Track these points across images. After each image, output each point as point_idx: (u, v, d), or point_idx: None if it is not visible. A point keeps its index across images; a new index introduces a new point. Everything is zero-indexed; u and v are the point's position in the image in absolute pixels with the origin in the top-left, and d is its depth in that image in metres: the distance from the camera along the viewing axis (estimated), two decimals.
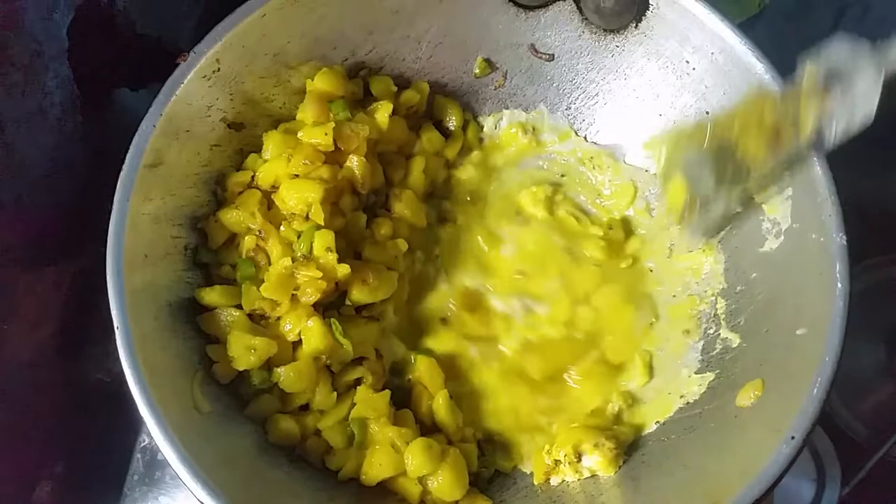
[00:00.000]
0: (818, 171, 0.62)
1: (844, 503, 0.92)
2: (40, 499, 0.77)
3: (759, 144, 0.63)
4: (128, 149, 0.64)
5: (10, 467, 0.73)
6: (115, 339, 0.59)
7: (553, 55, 0.77)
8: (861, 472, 0.91)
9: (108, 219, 0.62)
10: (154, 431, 0.57)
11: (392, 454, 0.65)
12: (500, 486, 0.70)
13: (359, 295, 0.70)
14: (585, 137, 0.81)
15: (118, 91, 0.82)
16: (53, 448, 0.78)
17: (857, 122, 0.57)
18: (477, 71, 0.79)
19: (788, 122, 0.61)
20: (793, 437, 0.55)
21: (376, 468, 0.65)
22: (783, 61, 0.65)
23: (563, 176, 0.80)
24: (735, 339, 0.68)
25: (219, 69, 0.67)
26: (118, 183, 0.62)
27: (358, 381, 0.70)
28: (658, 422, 0.69)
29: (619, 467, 0.67)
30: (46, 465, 0.77)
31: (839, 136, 0.58)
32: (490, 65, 0.79)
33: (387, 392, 0.68)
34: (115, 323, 0.59)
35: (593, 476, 0.67)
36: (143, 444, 0.78)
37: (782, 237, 0.65)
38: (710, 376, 0.68)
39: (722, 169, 0.65)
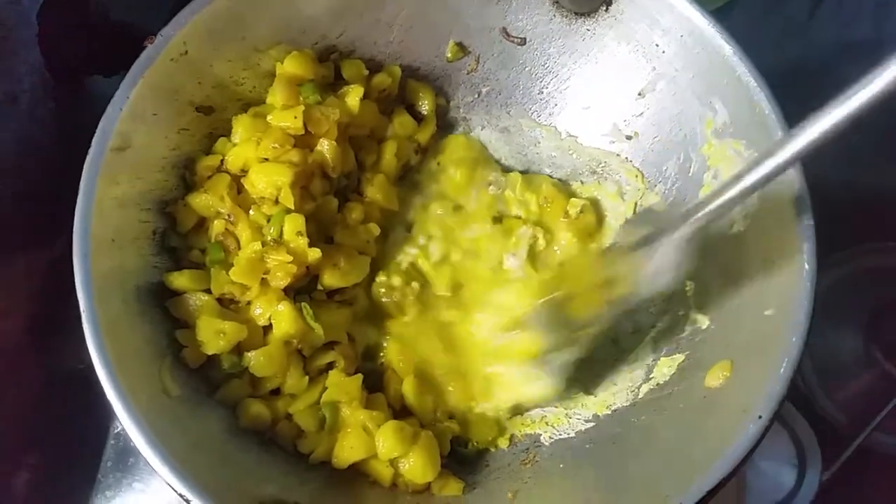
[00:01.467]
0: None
1: (825, 489, 0.93)
2: (17, 489, 0.76)
3: (593, 299, 0.66)
4: None
5: None
6: None
7: (525, 39, 0.77)
8: (841, 458, 0.92)
9: None
10: (122, 416, 0.57)
11: (363, 437, 0.65)
12: (472, 467, 0.70)
13: (330, 279, 0.69)
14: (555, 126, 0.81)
15: (91, 78, 0.81)
16: (28, 438, 0.77)
17: (672, 279, 0.61)
18: (449, 55, 0.79)
19: (620, 278, 0.64)
20: (760, 416, 0.56)
21: (347, 451, 0.65)
22: (760, 49, 0.65)
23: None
24: (704, 321, 0.68)
25: (186, 52, 0.66)
26: (84, 166, 0.62)
27: (330, 366, 0.70)
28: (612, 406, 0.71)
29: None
30: (22, 455, 0.77)
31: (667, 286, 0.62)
32: (462, 49, 0.79)
33: (359, 376, 0.68)
34: (82, 307, 0.58)
35: (566, 450, 0.69)
36: (116, 431, 0.78)
37: (750, 220, 0.65)
38: (679, 357, 0.68)
39: (556, 322, 0.68)
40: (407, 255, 0.76)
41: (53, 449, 0.78)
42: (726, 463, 0.55)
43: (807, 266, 0.59)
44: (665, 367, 0.69)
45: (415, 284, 0.75)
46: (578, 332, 0.68)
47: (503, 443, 0.72)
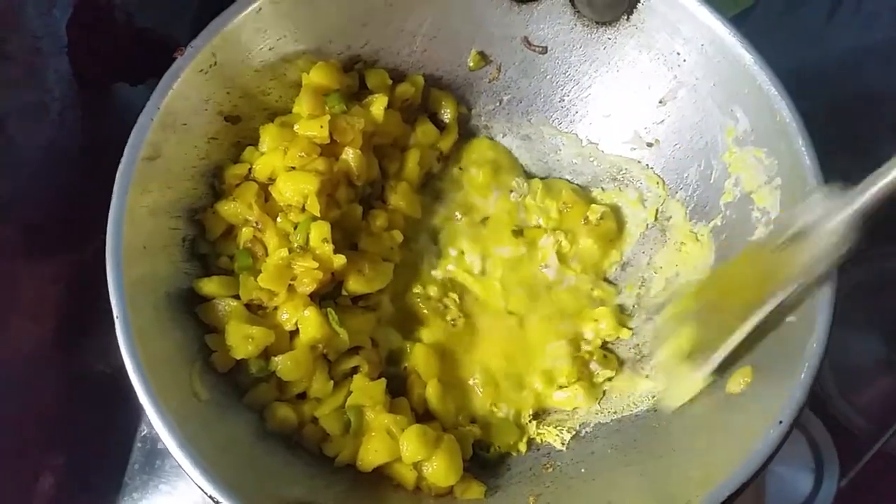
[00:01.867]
0: (806, 160, 0.63)
1: (842, 495, 0.92)
2: (43, 491, 0.78)
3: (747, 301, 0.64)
4: (126, 142, 0.64)
5: (12, 461, 0.74)
6: (114, 331, 0.60)
7: (546, 48, 0.77)
8: (859, 464, 0.92)
9: (107, 212, 0.63)
10: (154, 420, 0.58)
11: (387, 441, 0.66)
12: (494, 471, 0.71)
13: (355, 285, 0.71)
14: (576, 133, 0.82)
15: (117, 86, 0.83)
16: (55, 440, 0.79)
17: (833, 263, 0.59)
18: (471, 64, 0.80)
19: (773, 278, 0.63)
20: (780, 422, 0.56)
21: (372, 454, 0.66)
22: (776, 55, 0.65)
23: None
24: None
25: (215, 63, 0.67)
26: (117, 175, 0.63)
27: (354, 370, 0.71)
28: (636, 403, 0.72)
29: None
30: (48, 457, 0.78)
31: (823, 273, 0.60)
32: (484, 58, 0.80)
33: (382, 380, 0.69)
34: (115, 313, 0.60)
35: (587, 454, 0.69)
36: (143, 434, 0.79)
37: (771, 226, 0.66)
38: None
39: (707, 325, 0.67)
40: (443, 269, 0.78)
41: (79, 451, 0.80)
42: (747, 468, 0.56)
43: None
44: None
45: (453, 295, 0.76)
46: (731, 327, 0.65)
47: (523, 447, 0.73)
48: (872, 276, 0.96)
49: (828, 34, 1.04)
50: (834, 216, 0.58)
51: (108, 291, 0.61)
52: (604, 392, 0.75)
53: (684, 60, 0.71)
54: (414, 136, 0.79)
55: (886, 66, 0.98)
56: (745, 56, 0.65)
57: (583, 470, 0.68)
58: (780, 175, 0.65)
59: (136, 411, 0.80)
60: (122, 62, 0.82)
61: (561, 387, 0.74)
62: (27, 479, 0.77)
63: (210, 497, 0.57)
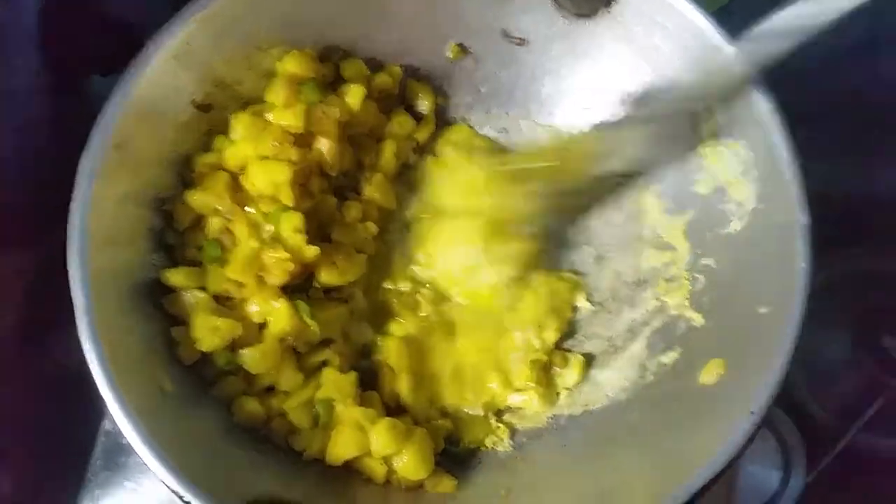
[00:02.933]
0: (784, 153, 0.62)
1: (809, 490, 0.92)
2: (2, 489, 0.76)
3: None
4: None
5: None
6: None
7: (525, 40, 0.77)
8: (825, 460, 0.92)
9: None
10: (115, 412, 0.57)
11: (357, 434, 0.65)
12: (465, 464, 0.70)
13: (327, 277, 0.70)
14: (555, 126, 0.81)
15: (89, 77, 0.81)
16: (16, 437, 0.77)
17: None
18: (450, 55, 0.79)
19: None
20: (752, 413, 0.56)
21: (341, 448, 0.65)
22: None
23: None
24: (699, 319, 0.68)
25: (188, 49, 0.66)
26: (81, 162, 0.62)
27: (324, 363, 0.70)
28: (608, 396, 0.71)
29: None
30: (9, 454, 0.76)
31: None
32: (463, 49, 0.79)
33: (353, 373, 0.68)
34: (76, 303, 0.58)
35: (559, 447, 0.69)
36: (105, 429, 0.77)
37: (746, 218, 0.66)
38: (673, 355, 0.68)
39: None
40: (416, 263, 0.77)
41: (40, 449, 0.78)
42: (720, 459, 0.55)
43: (802, 264, 0.60)
44: (659, 364, 0.69)
45: (424, 290, 0.76)
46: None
47: (491, 442, 0.72)
48: (839, 275, 0.96)
49: None
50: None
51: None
52: (558, 394, 0.74)
53: (663, 52, 0.70)
54: (390, 126, 0.77)
55: (861, 66, 0.98)
56: (726, 48, 0.65)
57: (555, 463, 0.68)
58: (757, 168, 0.65)
59: (99, 406, 0.77)
60: (95, 52, 0.81)
61: (517, 389, 0.73)
62: None
63: (175, 493, 0.56)
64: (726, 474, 0.55)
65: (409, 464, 0.65)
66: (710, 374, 0.62)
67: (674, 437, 0.61)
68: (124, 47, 0.69)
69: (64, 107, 0.78)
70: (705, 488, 0.55)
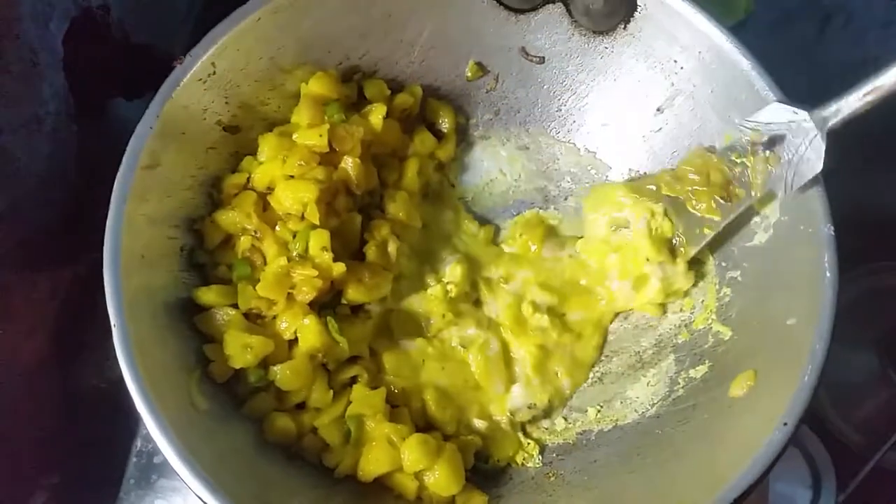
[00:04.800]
0: None
1: None
2: None
3: (710, 201, 0.69)
4: (122, 156, 0.64)
5: (5, 478, 0.73)
6: (111, 345, 0.59)
7: (543, 58, 0.78)
8: (856, 480, 0.91)
9: (103, 225, 0.62)
10: (153, 430, 0.57)
11: (388, 450, 0.65)
12: (496, 481, 0.70)
13: (355, 294, 0.70)
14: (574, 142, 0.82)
15: (113, 100, 0.83)
16: (49, 457, 0.78)
17: (807, 178, 0.62)
18: (469, 74, 0.80)
19: (738, 183, 0.67)
20: (785, 424, 0.56)
21: (373, 464, 0.65)
22: (768, 70, 0.66)
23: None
24: (727, 332, 0.68)
25: (214, 72, 0.67)
26: (115, 184, 0.63)
27: (353, 380, 0.70)
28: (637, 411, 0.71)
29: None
30: (42, 474, 0.77)
31: (790, 190, 0.64)
32: (482, 68, 0.80)
33: (382, 389, 0.69)
34: (113, 321, 0.59)
35: (590, 462, 0.69)
36: (138, 449, 0.78)
37: (771, 230, 0.66)
38: (703, 369, 0.68)
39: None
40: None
41: (74, 468, 0.79)
42: (753, 471, 0.55)
43: (828, 274, 0.60)
44: (688, 378, 0.69)
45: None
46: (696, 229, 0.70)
47: (521, 458, 0.72)
48: (864, 291, 0.96)
49: (818, 50, 1.05)
50: (807, 130, 0.61)
51: (104, 305, 0.60)
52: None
53: (682, 68, 0.71)
54: (412, 145, 0.79)
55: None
56: (743, 62, 0.66)
57: (586, 478, 0.68)
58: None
59: (132, 425, 0.79)
60: (118, 76, 0.82)
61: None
62: (21, 497, 0.76)
63: None
64: (757, 493, 0.55)
65: (441, 479, 0.65)
66: (739, 386, 0.63)
67: (706, 450, 0.61)
68: (148, 71, 0.70)
69: (90, 131, 0.79)
70: (739, 500, 0.55)
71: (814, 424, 0.95)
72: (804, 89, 0.66)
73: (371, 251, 0.72)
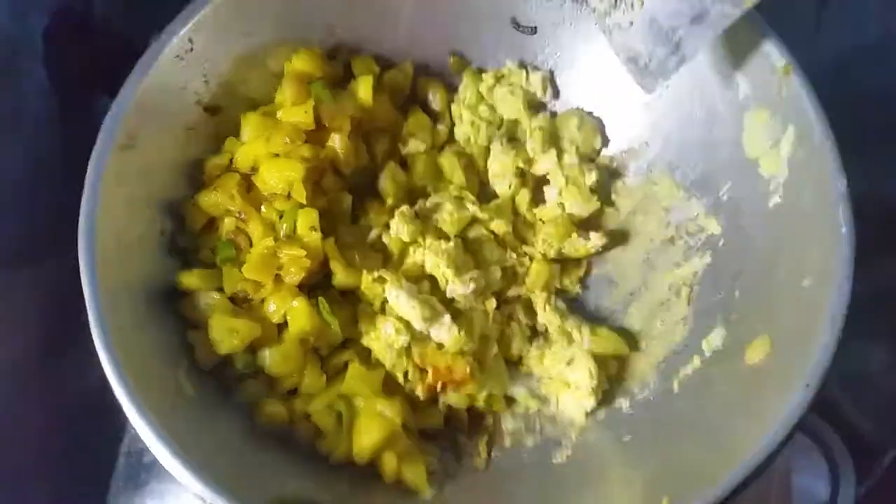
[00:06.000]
0: (813, 117, 0.60)
1: (860, 503, 0.89)
2: None
3: None
4: None
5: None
6: None
7: (536, 28, 0.75)
8: (876, 471, 0.89)
9: None
10: (133, 418, 0.55)
11: (378, 419, 0.63)
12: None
13: (344, 277, 0.67)
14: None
15: (98, 99, 0.81)
16: (41, 460, 0.75)
17: None
18: (452, 67, 0.78)
19: None
20: (807, 385, 0.53)
21: (365, 437, 0.62)
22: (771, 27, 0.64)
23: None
24: (740, 299, 0.65)
25: (192, 49, 0.65)
26: (89, 164, 0.61)
27: (347, 365, 0.67)
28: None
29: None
30: (35, 478, 0.74)
31: None
32: (464, 60, 0.78)
33: (382, 369, 0.66)
34: (89, 308, 0.57)
35: (606, 439, 0.66)
36: (126, 449, 0.75)
37: (781, 191, 0.63)
38: (716, 338, 0.65)
39: None
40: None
41: (66, 471, 0.76)
42: (776, 435, 0.53)
43: (844, 230, 0.57)
44: (702, 350, 0.66)
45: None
46: None
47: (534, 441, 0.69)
48: (882, 284, 0.93)
49: (818, 35, 1.02)
50: None
51: None
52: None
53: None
54: (406, 126, 0.76)
55: (875, 67, 0.96)
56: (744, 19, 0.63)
57: (600, 457, 0.65)
58: (786, 136, 0.62)
59: (121, 425, 0.76)
60: (99, 70, 0.80)
61: None
62: (14, 501, 0.73)
63: (198, 496, 0.53)
64: (779, 487, 0.52)
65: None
66: (756, 352, 0.59)
67: (724, 420, 0.58)
68: (129, 66, 0.68)
69: (74, 128, 0.77)
70: (762, 466, 0.51)
71: (830, 417, 0.92)
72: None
73: (357, 232, 0.70)
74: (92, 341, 0.57)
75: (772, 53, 0.63)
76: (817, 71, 0.63)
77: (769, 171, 0.64)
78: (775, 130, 0.63)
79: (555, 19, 0.74)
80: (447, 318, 0.66)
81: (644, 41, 0.62)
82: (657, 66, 0.62)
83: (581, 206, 0.75)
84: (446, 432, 0.69)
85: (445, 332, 0.66)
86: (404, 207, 0.71)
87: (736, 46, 0.65)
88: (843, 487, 0.92)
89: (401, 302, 0.66)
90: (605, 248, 0.75)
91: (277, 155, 0.67)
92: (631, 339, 0.72)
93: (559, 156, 0.76)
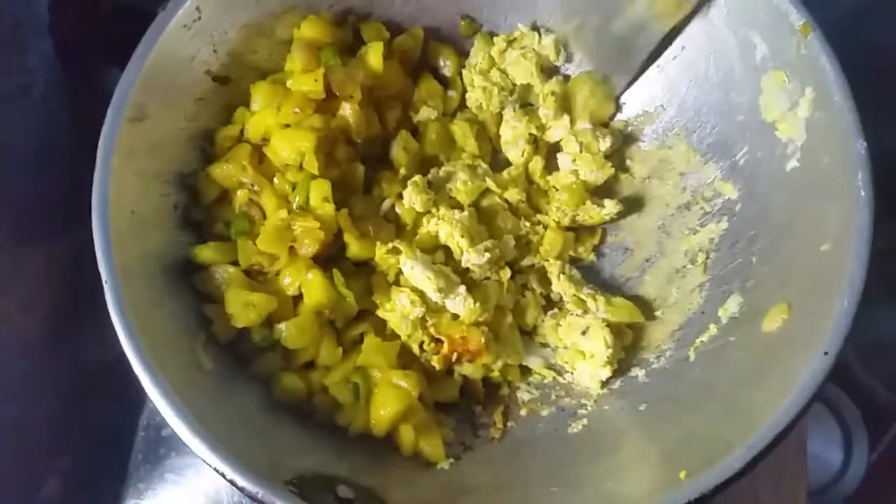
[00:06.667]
0: (832, 77, 0.59)
1: (873, 468, 0.89)
2: (48, 495, 0.74)
3: None
4: None
5: (18, 465, 0.71)
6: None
7: None
8: (888, 436, 0.89)
9: None
10: (150, 391, 0.55)
11: (394, 390, 0.62)
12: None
13: (358, 249, 0.67)
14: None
15: (106, 71, 0.80)
16: (59, 440, 0.76)
17: None
18: (463, 31, 0.77)
19: None
20: (826, 353, 0.52)
21: (381, 409, 0.62)
22: None
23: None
24: (757, 265, 0.64)
25: (199, 17, 0.64)
26: (100, 138, 0.60)
27: (363, 337, 0.67)
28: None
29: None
30: (53, 458, 0.75)
31: None
32: (473, 22, 0.77)
33: (398, 341, 0.66)
34: (104, 278, 0.56)
35: (621, 410, 0.66)
36: (145, 423, 0.75)
37: (798, 154, 0.62)
38: (732, 305, 0.64)
39: None
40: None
41: (84, 449, 0.77)
42: (794, 404, 0.52)
43: (863, 193, 0.56)
44: (719, 318, 0.65)
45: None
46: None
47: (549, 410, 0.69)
48: (890, 245, 0.92)
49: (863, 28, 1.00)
50: None
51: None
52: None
53: None
54: (418, 92, 0.75)
55: (891, 22, 0.94)
56: None
57: (615, 426, 0.64)
58: (803, 97, 0.61)
59: (138, 399, 0.76)
60: (106, 41, 0.80)
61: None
62: (33, 483, 0.74)
63: (216, 469, 0.53)
64: (795, 454, 0.51)
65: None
66: (773, 320, 0.59)
67: (742, 390, 0.58)
68: (137, 37, 0.67)
69: (83, 102, 0.76)
70: (782, 434, 0.51)
71: (843, 383, 0.92)
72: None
73: (371, 204, 0.70)
74: (107, 316, 0.57)
75: (790, 13, 0.61)
76: (831, 26, 0.62)
77: (787, 135, 0.63)
78: (793, 92, 0.62)
79: None
80: (462, 288, 0.66)
81: None
82: None
83: (595, 173, 0.74)
84: (462, 403, 0.69)
85: (461, 304, 0.66)
86: (417, 177, 0.70)
87: (752, 5, 0.63)
88: (856, 453, 0.92)
89: (416, 273, 0.65)
90: (620, 215, 0.74)
91: (288, 125, 0.66)
92: (646, 307, 0.71)
93: (572, 122, 0.75)
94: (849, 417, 0.93)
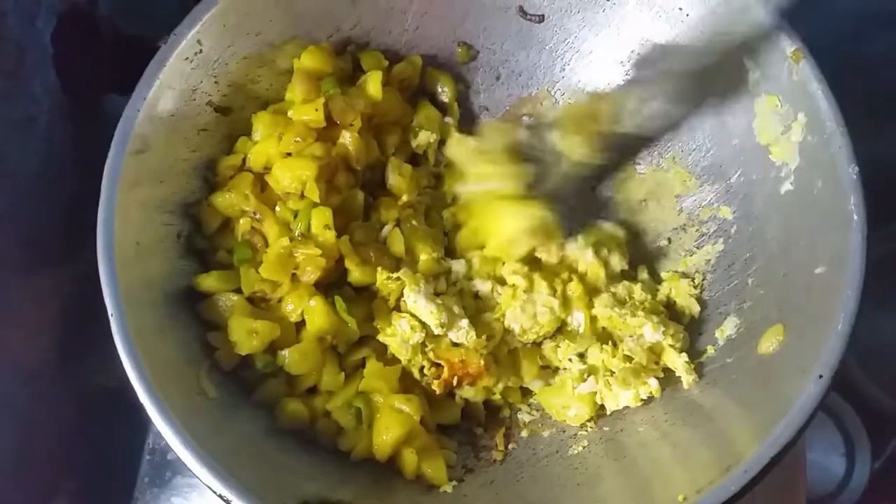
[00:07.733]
0: (824, 104, 0.60)
1: (876, 476, 0.89)
2: None
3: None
4: None
5: (26, 487, 0.72)
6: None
7: (543, 16, 0.75)
8: (891, 445, 0.89)
9: None
10: (156, 419, 0.56)
11: (396, 415, 0.63)
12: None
13: (359, 275, 0.68)
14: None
15: (107, 97, 0.81)
16: (66, 462, 0.76)
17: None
18: (460, 58, 0.78)
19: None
20: (820, 376, 0.53)
21: (384, 434, 0.63)
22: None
23: None
24: (753, 287, 0.65)
25: (201, 51, 0.65)
26: (105, 170, 0.61)
27: (365, 362, 0.68)
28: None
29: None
30: (60, 481, 0.76)
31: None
32: (470, 49, 0.78)
33: (399, 365, 0.67)
34: (110, 310, 0.57)
35: (617, 433, 0.66)
36: (150, 447, 0.76)
37: (792, 177, 0.63)
38: (728, 329, 0.65)
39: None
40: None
41: (91, 471, 0.77)
42: (789, 427, 0.53)
43: (856, 217, 0.57)
44: (716, 339, 0.66)
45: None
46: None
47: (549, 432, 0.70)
48: (892, 250, 0.93)
49: (830, 3, 1.01)
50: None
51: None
52: None
53: (687, 15, 0.68)
54: (416, 119, 0.76)
55: (888, 34, 0.95)
56: (754, 5, 0.62)
57: (614, 448, 0.65)
58: (797, 122, 0.62)
59: (143, 424, 0.77)
60: (108, 71, 0.81)
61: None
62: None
63: (222, 497, 0.54)
64: (793, 463, 0.52)
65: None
66: (769, 342, 0.60)
67: (738, 411, 0.59)
68: (140, 65, 0.68)
69: (84, 128, 0.77)
70: (777, 457, 0.52)
71: (844, 391, 0.92)
72: (820, 47, 0.63)
73: (371, 230, 0.70)
74: (112, 343, 0.58)
75: (781, 38, 0.62)
76: (828, 39, 0.63)
77: (780, 158, 0.64)
78: (786, 117, 0.63)
79: (562, 6, 0.74)
80: (465, 322, 0.67)
81: None
82: None
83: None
84: (463, 425, 0.70)
85: (463, 336, 0.66)
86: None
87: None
88: (858, 461, 0.92)
89: (419, 306, 0.66)
90: None
91: (289, 154, 0.67)
92: None
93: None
94: (850, 426, 0.93)
